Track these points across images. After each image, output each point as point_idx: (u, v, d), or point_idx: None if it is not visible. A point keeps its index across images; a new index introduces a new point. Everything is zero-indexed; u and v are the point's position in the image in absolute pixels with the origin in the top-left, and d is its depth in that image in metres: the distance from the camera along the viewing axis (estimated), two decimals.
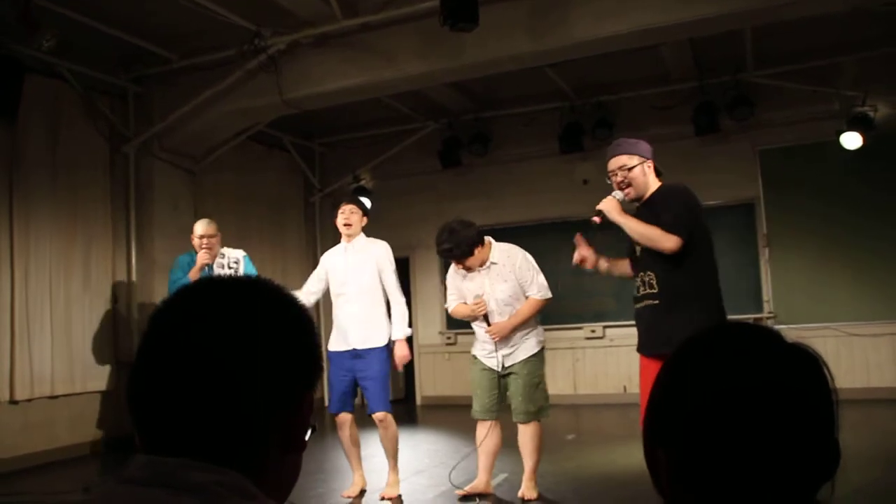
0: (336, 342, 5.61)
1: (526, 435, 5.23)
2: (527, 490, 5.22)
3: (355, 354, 5.47)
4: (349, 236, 5.69)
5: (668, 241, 3.82)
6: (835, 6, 6.83)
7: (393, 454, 5.56)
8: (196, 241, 6.55)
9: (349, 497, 5.60)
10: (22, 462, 7.18)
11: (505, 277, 5.19)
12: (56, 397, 7.68)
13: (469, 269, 5.25)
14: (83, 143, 8.20)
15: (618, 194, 4.07)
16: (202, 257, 6.38)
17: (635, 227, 3.93)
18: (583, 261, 4.31)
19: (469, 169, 11.13)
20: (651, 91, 10.04)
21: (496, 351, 5.23)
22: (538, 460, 5.29)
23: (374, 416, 5.46)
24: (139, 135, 8.65)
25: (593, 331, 10.64)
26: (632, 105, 10.32)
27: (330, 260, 5.76)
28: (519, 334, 5.22)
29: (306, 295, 5.67)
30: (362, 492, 5.67)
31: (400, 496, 5.51)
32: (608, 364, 10.58)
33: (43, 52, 6.88)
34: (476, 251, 5.18)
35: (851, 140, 9.30)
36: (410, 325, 5.75)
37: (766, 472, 0.89)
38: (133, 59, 8.35)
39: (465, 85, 10.08)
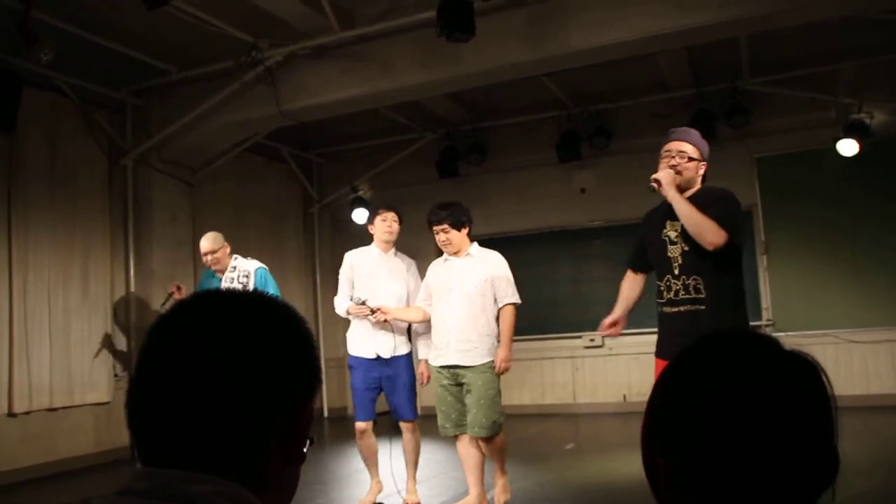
0: (360, 348, 5.58)
1: (490, 449, 5.15)
2: (501, 492, 5.21)
3: (384, 362, 5.47)
4: (388, 243, 5.69)
5: (717, 235, 3.71)
6: (829, 13, 6.86)
7: (414, 462, 5.58)
8: (204, 258, 6.53)
9: None
10: (21, 475, 7.15)
11: (477, 271, 5.19)
12: (55, 409, 7.66)
13: (454, 252, 5.28)
14: (81, 155, 8.21)
15: (664, 172, 3.88)
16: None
17: (687, 209, 3.76)
18: (614, 327, 4.29)
19: (467, 178, 11.13)
20: (648, 99, 10.06)
21: (449, 344, 5.14)
22: (504, 460, 5.27)
23: (402, 423, 5.48)
24: (137, 147, 8.66)
25: (592, 340, 10.62)
26: (629, 113, 10.34)
27: (359, 263, 5.67)
28: (478, 334, 5.10)
29: (344, 302, 5.62)
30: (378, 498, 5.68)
31: None
32: (607, 373, 10.57)
33: (41, 65, 6.88)
34: (464, 230, 5.29)
35: (848, 147, 9.31)
36: (413, 341, 5.76)
37: (766, 480, 0.89)
38: (131, 71, 8.35)
39: (463, 95, 10.10)
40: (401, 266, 5.68)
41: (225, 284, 6.37)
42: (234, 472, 0.92)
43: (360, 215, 11.31)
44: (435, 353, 5.27)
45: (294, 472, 1.03)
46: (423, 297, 5.45)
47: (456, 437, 5.26)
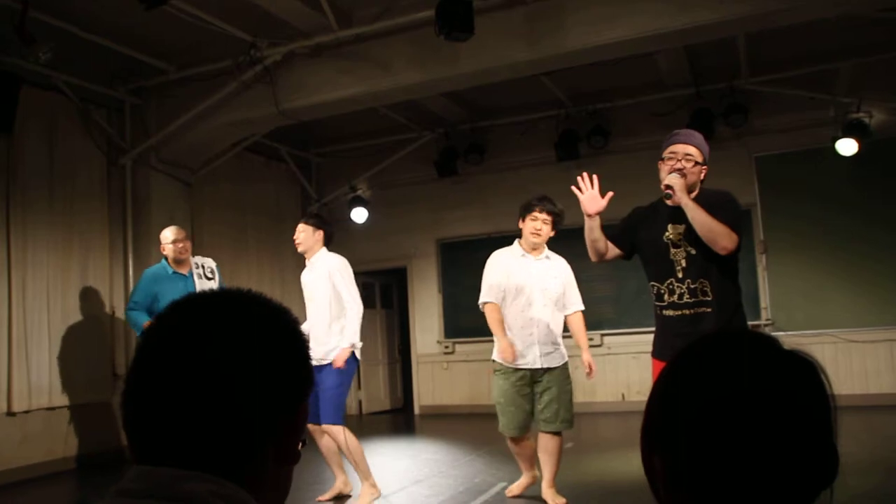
0: None
1: (554, 445, 5.25)
2: (554, 498, 5.22)
3: (316, 370, 5.46)
4: (304, 252, 5.81)
5: (730, 240, 3.72)
6: (826, 12, 6.86)
7: (356, 465, 5.53)
8: (171, 247, 6.72)
9: (323, 500, 5.72)
10: (20, 474, 7.15)
11: (556, 275, 5.32)
12: (54, 409, 7.66)
13: (536, 246, 5.32)
14: (80, 155, 8.20)
15: (672, 177, 3.86)
16: None
17: (701, 215, 3.74)
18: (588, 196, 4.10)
19: (465, 178, 11.14)
20: (646, 98, 10.06)
21: (532, 347, 5.18)
22: (558, 469, 5.35)
23: (322, 426, 5.50)
24: (136, 146, 8.66)
25: (591, 339, 10.60)
26: (627, 112, 10.34)
27: (302, 278, 5.90)
28: (557, 337, 5.26)
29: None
30: (341, 496, 5.78)
31: None
32: (606, 372, 10.56)
33: (39, 64, 6.88)
34: (553, 233, 5.37)
35: (847, 146, 9.32)
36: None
37: (764, 480, 0.89)
38: (129, 71, 8.35)
39: (461, 94, 10.10)
40: (322, 270, 5.67)
41: (198, 282, 6.68)
42: (230, 472, 0.93)
43: (358, 215, 11.33)
44: (519, 349, 5.25)
45: (288, 472, 1.03)
46: (498, 291, 5.32)
47: (512, 439, 5.35)
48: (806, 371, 0.95)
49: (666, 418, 0.97)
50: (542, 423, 5.22)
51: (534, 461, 5.44)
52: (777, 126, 9.95)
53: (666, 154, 3.96)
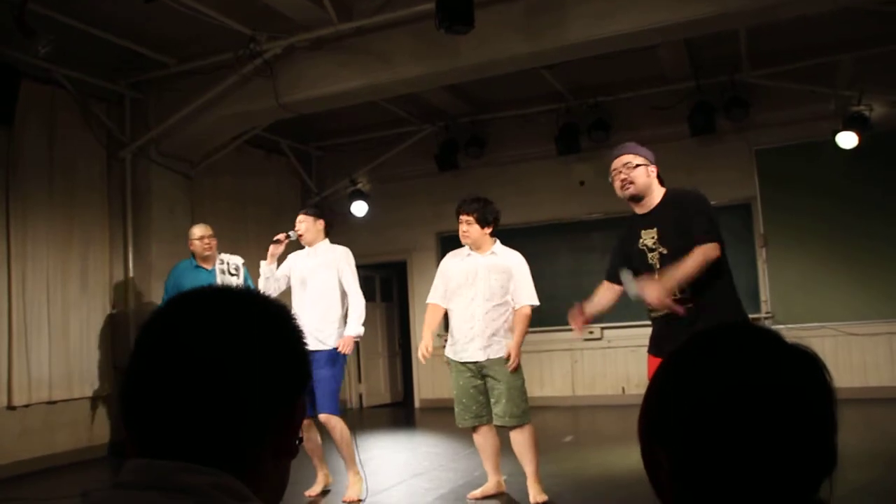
0: None
1: (520, 440, 5.22)
2: (536, 495, 5.19)
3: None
4: (308, 243, 5.86)
5: (714, 251, 3.76)
6: (827, 6, 6.84)
7: (346, 456, 5.58)
8: (197, 243, 6.95)
9: (311, 496, 5.70)
10: (20, 468, 7.16)
11: (501, 270, 5.32)
12: (54, 402, 7.66)
13: (470, 244, 5.38)
14: (80, 148, 8.20)
15: (640, 292, 3.84)
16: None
17: (691, 270, 3.72)
18: (585, 321, 4.24)
19: (466, 171, 11.12)
20: (647, 92, 10.05)
21: (473, 340, 5.25)
22: (538, 462, 5.29)
23: (319, 417, 5.50)
24: (136, 140, 8.65)
25: (591, 332, 10.63)
26: (628, 106, 10.33)
27: (294, 260, 5.95)
28: (502, 330, 5.26)
29: (267, 284, 5.81)
30: (325, 492, 5.79)
31: (360, 500, 5.53)
32: (606, 365, 10.58)
33: (39, 58, 6.87)
34: (487, 228, 5.35)
35: (847, 139, 9.31)
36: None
37: (765, 472, 0.89)
38: (129, 64, 8.34)
39: (461, 87, 10.08)
40: (327, 259, 5.77)
41: (220, 276, 6.86)
42: (229, 465, 0.93)
43: (359, 208, 11.32)
44: (455, 347, 5.36)
45: (285, 467, 1.04)
46: (441, 292, 5.55)
47: (474, 429, 5.36)
48: (807, 364, 0.95)
49: (670, 411, 0.97)
50: (495, 417, 5.25)
51: (497, 463, 5.40)
52: (777, 119, 9.93)
53: (611, 172, 4.12)
